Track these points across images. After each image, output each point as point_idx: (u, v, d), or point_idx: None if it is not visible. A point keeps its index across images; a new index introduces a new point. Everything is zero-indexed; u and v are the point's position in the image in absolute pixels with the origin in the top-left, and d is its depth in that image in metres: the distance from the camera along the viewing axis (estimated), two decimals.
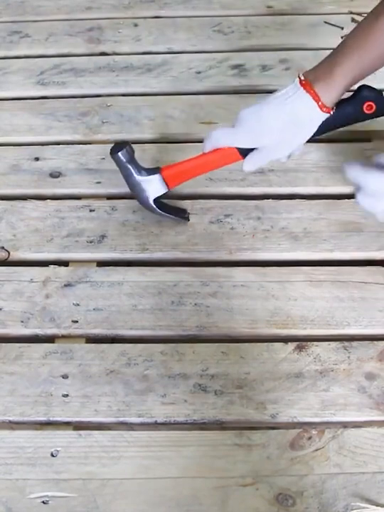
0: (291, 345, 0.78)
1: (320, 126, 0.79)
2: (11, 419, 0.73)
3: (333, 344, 0.79)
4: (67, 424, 0.73)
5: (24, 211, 0.96)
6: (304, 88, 0.77)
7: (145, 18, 1.34)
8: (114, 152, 0.87)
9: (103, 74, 1.20)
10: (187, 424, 0.73)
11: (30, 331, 0.82)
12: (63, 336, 0.81)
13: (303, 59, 1.16)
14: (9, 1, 1.42)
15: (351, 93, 0.81)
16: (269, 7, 1.36)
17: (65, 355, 0.78)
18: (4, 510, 0.66)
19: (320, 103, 0.77)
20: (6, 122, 1.11)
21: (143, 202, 0.90)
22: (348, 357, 0.77)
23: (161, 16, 1.35)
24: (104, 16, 1.36)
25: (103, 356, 0.78)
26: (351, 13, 1.32)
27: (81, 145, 1.07)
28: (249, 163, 0.83)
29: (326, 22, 1.26)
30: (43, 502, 0.66)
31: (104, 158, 1.03)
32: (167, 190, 0.88)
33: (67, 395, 0.74)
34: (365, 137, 1.07)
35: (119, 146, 0.87)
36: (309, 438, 0.70)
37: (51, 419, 0.73)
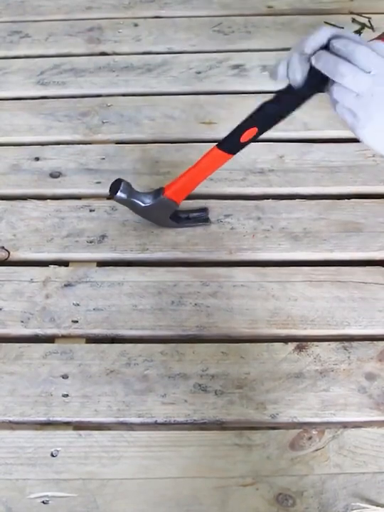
0: (291, 346, 0.78)
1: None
2: (11, 419, 0.73)
3: (333, 344, 0.79)
4: (67, 424, 0.73)
5: (24, 211, 0.96)
6: None
7: (145, 18, 1.34)
8: (113, 193, 0.86)
9: (103, 74, 1.20)
10: (187, 424, 0.73)
11: (30, 331, 0.82)
12: (63, 336, 0.81)
13: None
14: (9, 1, 1.42)
15: None
16: (269, 7, 1.36)
17: (65, 355, 0.78)
18: (4, 510, 0.66)
19: None
20: (6, 122, 1.11)
21: (160, 224, 0.91)
22: (348, 357, 0.77)
23: (161, 16, 1.35)
24: (104, 16, 1.36)
25: (103, 356, 0.78)
26: (351, 13, 1.32)
27: (81, 145, 1.07)
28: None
29: (326, 22, 1.26)
30: (43, 502, 0.66)
31: (104, 158, 1.03)
32: (177, 206, 0.89)
33: (67, 395, 0.74)
34: None
35: (115, 185, 0.87)
36: (309, 438, 0.70)
37: (51, 419, 0.73)
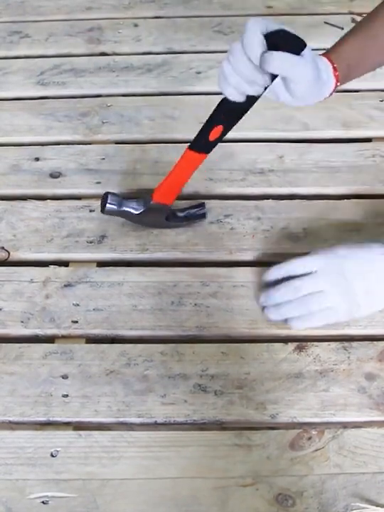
0: (291, 346, 0.78)
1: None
2: (11, 419, 0.73)
3: (333, 344, 0.79)
4: (67, 425, 0.73)
5: (24, 211, 0.96)
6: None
7: (145, 18, 1.34)
8: (103, 208, 0.87)
9: (103, 74, 1.20)
10: (187, 424, 0.73)
11: (30, 331, 0.82)
12: (63, 336, 0.81)
13: None
14: (9, 1, 1.42)
15: None
16: (269, 7, 1.36)
17: (65, 355, 0.78)
18: (4, 511, 0.66)
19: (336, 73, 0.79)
20: (6, 122, 1.11)
21: (158, 227, 0.91)
22: (348, 357, 0.77)
23: (161, 16, 1.35)
24: (104, 16, 1.36)
25: (103, 356, 0.78)
26: (351, 13, 1.32)
27: (81, 145, 1.07)
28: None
29: (326, 22, 1.26)
30: (43, 502, 0.66)
31: (104, 159, 1.03)
32: (169, 207, 0.89)
33: (67, 395, 0.74)
34: (365, 137, 1.07)
35: (103, 200, 0.87)
36: (309, 438, 0.70)
37: (51, 419, 0.73)
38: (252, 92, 0.75)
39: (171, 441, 0.71)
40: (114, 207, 0.87)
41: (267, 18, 0.72)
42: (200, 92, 1.15)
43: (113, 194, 0.88)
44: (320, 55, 0.79)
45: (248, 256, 0.90)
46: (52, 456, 0.70)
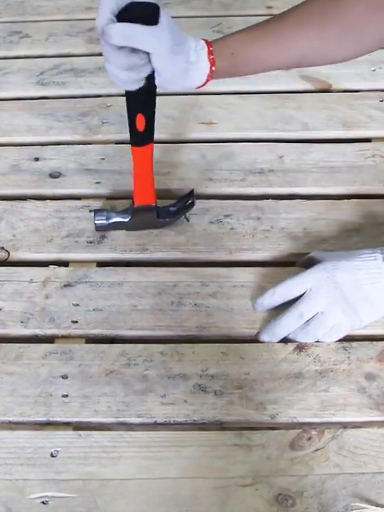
0: (291, 346, 0.78)
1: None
2: (10, 419, 0.73)
3: (333, 344, 0.79)
4: (66, 425, 0.73)
5: (24, 211, 0.96)
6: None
7: None
8: (96, 224, 0.90)
9: (103, 74, 1.20)
10: (187, 424, 0.73)
11: (30, 331, 0.82)
12: (63, 337, 0.81)
13: None
14: (9, 1, 1.42)
15: None
16: (269, 7, 1.36)
17: (65, 355, 0.78)
18: (4, 511, 0.66)
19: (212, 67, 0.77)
20: (6, 122, 1.11)
21: (154, 227, 0.92)
22: (348, 357, 0.77)
23: None
24: None
25: (103, 356, 0.78)
26: None
27: (81, 145, 1.07)
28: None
29: None
30: (43, 502, 0.66)
31: (104, 159, 1.03)
32: (155, 205, 0.90)
33: (66, 396, 0.74)
34: (365, 137, 1.07)
35: (94, 217, 0.90)
36: (309, 438, 0.70)
37: (51, 419, 0.73)
38: (140, 75, 0.74)
39: (170, 441, 0.71)
40: (103, 221, 0.90)
41: None
42: (200, 92, 1.15)
43: (99, 210, 0.91)
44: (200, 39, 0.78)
45: (248, 256, 0.89)
46: (52, 456, 0.70)
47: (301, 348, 0.78)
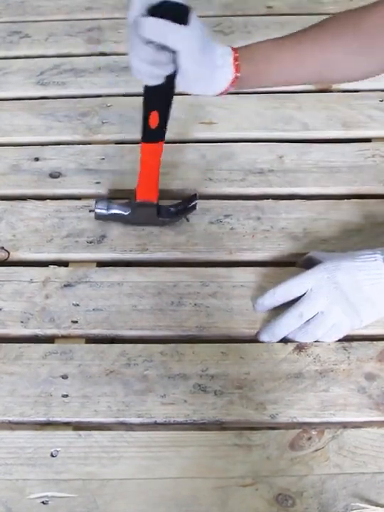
0: (291, 346, 0.78)
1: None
2: (10, 419, 0.73)
3: (333, 344, 0.79)
4: (66, 425, 0.73)
5: (24, 211, 0.96)
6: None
7: None
8: (96, 213, 0.91)
9: (103, 74, 1.20)
10: (187, 424, 0.73)
11: (30, 331, 0.82)
12: (63, 337, 0.81)
13: None
14: (9, 1, 1.42)
15: None
16: (269, 7, 1.36)
17: (65, 355, 0.78)
18: (4, 511, 0.66)
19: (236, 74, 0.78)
20: (6, 122, 1.11)
21: (152, 224, 0.92)
22: (348, 357, 0.77)
23: None
24: (104, 16, 1.36)
25: (103, 356, 0.78)
26: None
27: (81, 145, 1.07)
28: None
29: None
30: (43, 502, 0.66)
31: (104, 159, 1.03)
32: (156, 202, 0.90)
33: (66, 396, 0.74)
34: (365, 137, 1.07)
35: (95, 205, 0.91)
36: (309, 438, 0.70)
37: (51, 419, 0.73)
38: (162, 72, 0.75)
39: (170, 441, 0.71)
40: (103, 211, 0.90)
41: None
42: None
43: (100, 199, 0.91)
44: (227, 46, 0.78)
45: (248, 256, 0.89)
46: (52, 456, 0.70)
47: (301, 348, 0.78)
